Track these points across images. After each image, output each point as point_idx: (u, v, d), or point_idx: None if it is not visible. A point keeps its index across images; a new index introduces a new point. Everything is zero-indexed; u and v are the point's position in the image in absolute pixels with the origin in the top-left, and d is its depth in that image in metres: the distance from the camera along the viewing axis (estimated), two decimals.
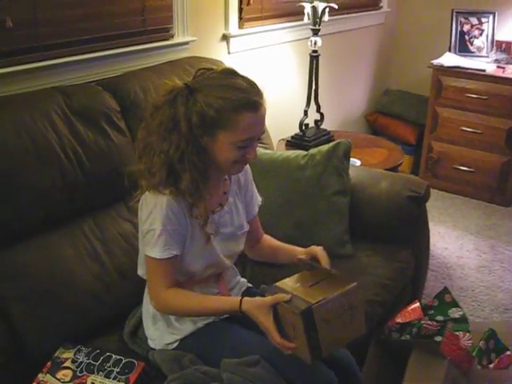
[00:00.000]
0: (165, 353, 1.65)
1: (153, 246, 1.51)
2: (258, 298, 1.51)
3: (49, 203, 1.79)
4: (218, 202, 1.66)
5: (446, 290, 2.06)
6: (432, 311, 2.03)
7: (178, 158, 1.47)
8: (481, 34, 3.85)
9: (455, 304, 2.04)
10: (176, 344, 1.66)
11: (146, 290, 1.71)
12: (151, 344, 1.70)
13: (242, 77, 1.51)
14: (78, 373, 1.58)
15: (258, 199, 1.84)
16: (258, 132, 1.53)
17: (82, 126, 1.89)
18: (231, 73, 1.51)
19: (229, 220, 1.69)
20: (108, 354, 1.64)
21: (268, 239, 1.89)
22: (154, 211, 1.50)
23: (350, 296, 1.53)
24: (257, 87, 1.50)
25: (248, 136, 1.49)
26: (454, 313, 2.02)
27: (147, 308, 1.70)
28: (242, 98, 1.45)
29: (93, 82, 2.12)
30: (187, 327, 1.65)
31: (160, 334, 1.67)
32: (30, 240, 1.76)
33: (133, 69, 2.25)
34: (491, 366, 1.83)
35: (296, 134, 3.08)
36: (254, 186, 1.83)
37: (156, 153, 1.49)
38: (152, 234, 1.50)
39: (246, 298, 1.50)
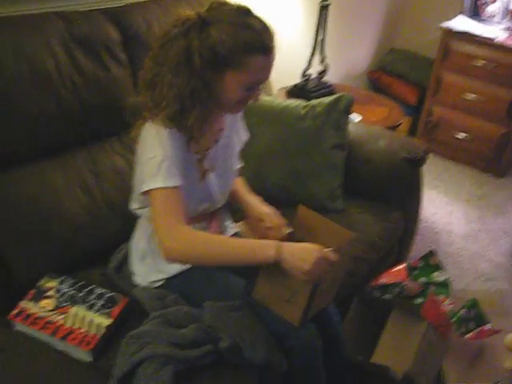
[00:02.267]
0: (149, 290, 1.66)
1: (155, 175, 1.40)
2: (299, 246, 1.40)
3: (42, 131, 1.76)
4: (214, 138, 1.64)
5: (432, 253, 2.08)
6: (416, 272, 2.05)
7: (189, 94, 1.42)
8: (495, 1, 3.75)
9: (440, 267, 2.06)
10: (161, 283, 1.66)
11: (138, 225, 1.71)
12: (137, 280, 1.70)
13: (257, 17, 1.45)
14: (60, 303, 1.58)
15: (244, 135, 1.81)
16: (265, 76, 1.49)
17: (81, 55, 1.84)
18: (247, 12, 1.45)
19: (224, 155, 1.67)
20: (92, 286, 1.64)
21: (237, 182, 1.85)
22: (155, 140, 1.43)
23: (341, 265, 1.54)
24: (270, 30, 1.45)
25: (256, 79, 1.46)
26: (438, 276, 2.04)
27: (137, 243, 1.70)
28: (256, 39, 1.40)
29: (96, 10, 2.05)
30: (174, 267, 1.64)
31: (147, 271, 1.67)
32: (20, 167, 1.74)
33: (137, 0, 2.17)
34: (468, 335, 1.86)
35: (297, 84, 3.03)
36: (243, 121, 1.79)
37: (167, 86, 1.42)
38: (153, 162, 1.41)
39: (286, 244, 1.39)
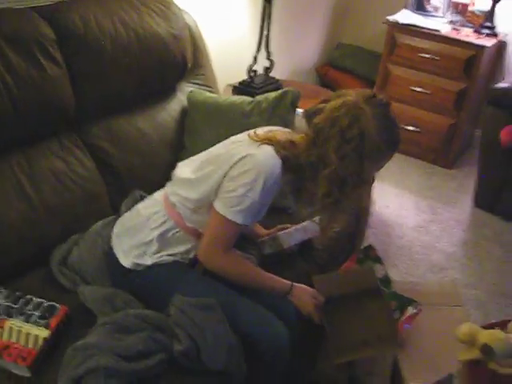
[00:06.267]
0: (97, 290, 1.61)
1: (238, 211, 1.51)
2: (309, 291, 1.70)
3: None
4: None
5: (371, 247, 2.04)
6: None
7: (343, 176, 1.51)
8: None
9: (379, 261, 2.02)
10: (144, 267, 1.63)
11: (160, 211, 1.66)
12: (121, 258, 1.65)
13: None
14: None
15: None
16: None
17: (12, 53, 1.74)
18: (387, 104, 1.53)
19: None
20: (29, 296, 1.57)
21: None
22: (258, 181, 1.49)
23: None
24: None
25: (378, 170, 1.63)
26: (378, 271, 2.00)
27: (150, 229, 1.64)
28: (398, 138, 1.54)
29: (28, 8, 1.95)
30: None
31: (141, 253, 1.63)
32: None
33: None
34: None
35: (244, 80, 2.98)
36: None
37: (329, 167, 1.50)
38: (243, 199, 1.50)
39: (296, 286, 1.68)
